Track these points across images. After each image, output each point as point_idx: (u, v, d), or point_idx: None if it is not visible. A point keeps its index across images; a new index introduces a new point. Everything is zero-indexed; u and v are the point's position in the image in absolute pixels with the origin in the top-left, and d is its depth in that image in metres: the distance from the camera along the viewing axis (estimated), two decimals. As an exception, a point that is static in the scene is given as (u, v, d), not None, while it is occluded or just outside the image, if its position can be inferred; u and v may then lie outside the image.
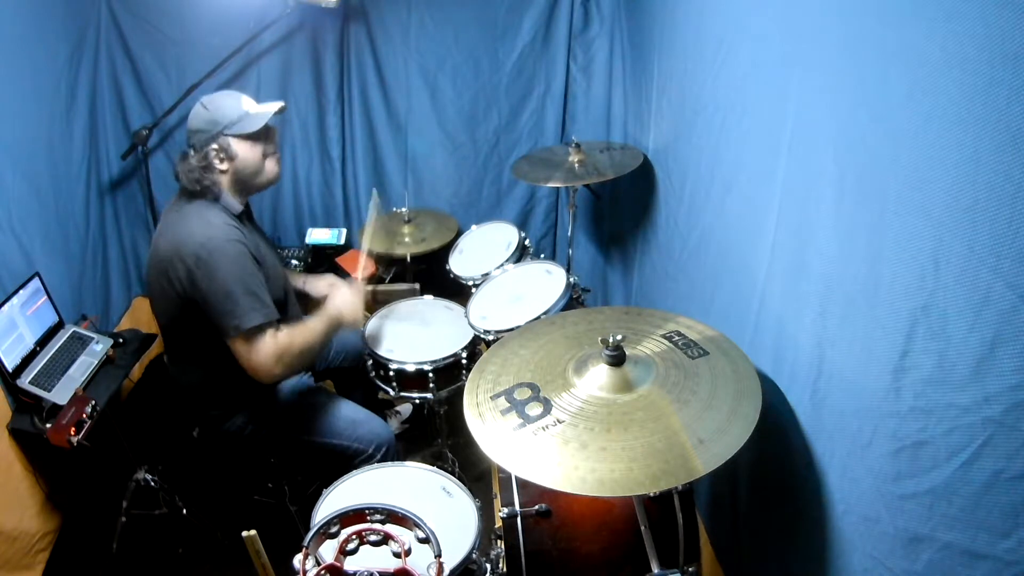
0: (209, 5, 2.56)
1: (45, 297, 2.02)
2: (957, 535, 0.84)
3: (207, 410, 1.85)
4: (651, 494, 1.29)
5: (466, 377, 1.57)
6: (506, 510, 1.40)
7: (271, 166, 1.77)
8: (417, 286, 2.68)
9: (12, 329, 1.86)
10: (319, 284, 2.10)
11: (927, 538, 0.90)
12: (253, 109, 1.72)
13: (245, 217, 1.80)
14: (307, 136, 2.89)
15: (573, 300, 1.98)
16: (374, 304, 2.41)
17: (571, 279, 1.97)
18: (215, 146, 1.67)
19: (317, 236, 2.92)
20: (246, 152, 1.70)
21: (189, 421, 1.94)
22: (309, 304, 2.04)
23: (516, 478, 1.45)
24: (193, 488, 2.23)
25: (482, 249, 2.43)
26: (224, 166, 1.69)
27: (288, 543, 1.29)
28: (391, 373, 2.06)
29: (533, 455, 1.08)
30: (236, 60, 2.62)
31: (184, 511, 2.14)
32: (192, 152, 1.68)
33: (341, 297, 1.89)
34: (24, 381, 1.85)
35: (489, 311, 2.02)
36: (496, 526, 1.44)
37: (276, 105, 1.74)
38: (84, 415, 1.78)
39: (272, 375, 1.67)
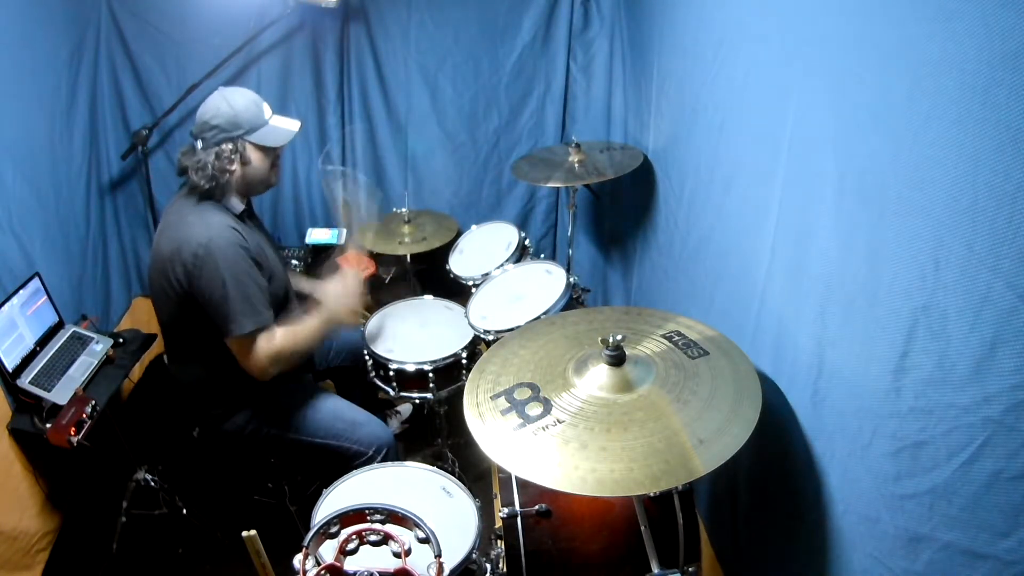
0: (209, 5, 2.56)
1: (45, 297, 2.02)
2: (957, 535, 0.84)
3: (207, 409, 1.85)
4: (651, 494, 1.29)
5: (466, 377, 1.57)
6: (506, 510, 1.40)
7: (274, 174, 1.81)
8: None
9: (12, 329, 1.85)
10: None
11: (927, 538, 0.90)
12: (274, 120, 1.75)
13: (246, 215, 1.81)
14: (307, 136, 2.88)
15: (573, 300, 1.98)
16: (375, 305, 2.41)
17: (571, 279, 1.97)
18: (230, 146, 1.67)
19: (317, 236, 2.92)
20: (259, 161, 1.73)
21: (189, 421, 1.94)
22: (310, 305, 2.04)
23: (516, 478, 1.45)
24: (193, 488, 2.23)
25: (482, 249, 2.43)
26: (234, 167, 1.69)
27: (288, 543, 1.29)
28: (391, 373, 2.06)
29: (533, 455, 1.08)
30: (236, 60, 2.62)
31: (184, 511, 2.14)
32: (201, 145, 1.67)
33: (335, 297, 1.86)
34: (24, 381, 1.84)
35: (489, 311, 2.02)
36: (496, 526, 1.44)
37: (296, 124, 1.78)
38: (84, 415, 1.78)
39: (267, 375, 1.71)
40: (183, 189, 1.76)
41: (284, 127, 1.76)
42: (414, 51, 2.78)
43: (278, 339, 1.69)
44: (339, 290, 1.88)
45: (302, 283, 2.14)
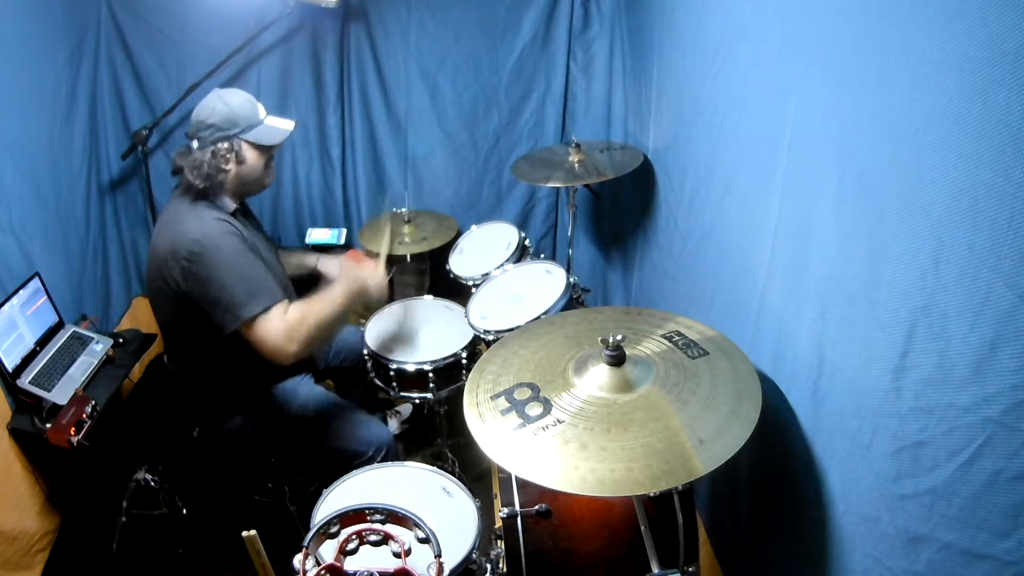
0: (209, 5, 2.56)
1: (45, 297, 2.02)
2: (957, 535, 0.84)
3: (207, 409, 1.85)
4: (651, 494, 1.29)
5: (466, 377, 1.57)
6: (506, 510, 1.40)
7: (268, 175, 1.80)
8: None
9: (12, 329, 1.85)
10: (332, 264, 2.11)
11: (927, 538, 0.90)
12: (268, 120, 1.75)
13: (241, 214, 1.81)
14: (307, 136, 2.89)
15: (573, 300, 1.98)
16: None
17: (571, 279, 1.97)
18: (226, 145, 1.67)
19: (317, 236, 2.92)
20: (254, 160, 1.73)
21: (189, 421, 1.94)
22: (321, 285, 2.03)
23: (516, 478, 1.45)
24: (193, 488, 2.23)
25: (482, 249, 2.43)
26: (230, 166, 1.70)
27: (288, 543, 1.29)
28: (391, 373, 2.06)
29: (533, 455, 1.08)
30: (236, 60, 2.62)
31: (184, 511, 2.14)
32: (197, 145, 1.68)
33: (366, 269, 1.85)
34: (24, 381, 1.84)
35: (489, 311, 2.02)
36: (496, 526, 1.44)
37: (290, 124, 1.78)
38: (84, 415, 1.78)
39: (288, 354, 1.62)
40: (178, 189, 1.76)
41: (279, 126, 1.76)
42: (414, 51, 2.78)
43: (293, 313, 1.64)
44: (371, 266, 1.87)
45: (311, 259, 2.12)
